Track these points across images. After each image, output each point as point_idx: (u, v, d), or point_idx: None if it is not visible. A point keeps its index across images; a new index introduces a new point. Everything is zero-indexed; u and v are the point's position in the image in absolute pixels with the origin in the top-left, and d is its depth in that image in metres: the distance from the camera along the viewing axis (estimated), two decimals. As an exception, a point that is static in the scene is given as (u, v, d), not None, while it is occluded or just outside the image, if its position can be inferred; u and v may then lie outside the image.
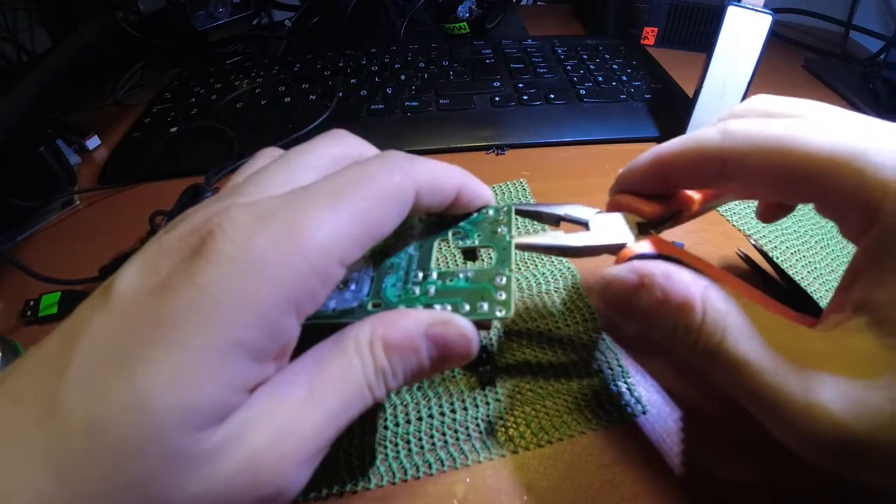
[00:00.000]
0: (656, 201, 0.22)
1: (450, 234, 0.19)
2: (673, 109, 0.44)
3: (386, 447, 0.23)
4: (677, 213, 0.23)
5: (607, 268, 0.19)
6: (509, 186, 0.38)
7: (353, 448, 0.23)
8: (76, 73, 0.44)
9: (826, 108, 0.19)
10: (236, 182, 0.17)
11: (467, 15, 0.61)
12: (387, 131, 0.44)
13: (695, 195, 0.23)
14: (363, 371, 0.15)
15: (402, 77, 0.51)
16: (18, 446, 0.12)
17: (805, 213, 0.36)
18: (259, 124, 0.46)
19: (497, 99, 0.47)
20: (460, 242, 0.19)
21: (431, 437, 0.23)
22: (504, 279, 0.18)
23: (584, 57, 0.54)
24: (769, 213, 0.25)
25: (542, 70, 0.52)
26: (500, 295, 0.18)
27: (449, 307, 0.18)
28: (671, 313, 0.16)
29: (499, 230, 0.20)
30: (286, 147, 0.19)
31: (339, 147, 0.18)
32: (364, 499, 0.22)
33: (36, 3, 0.59)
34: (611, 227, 0.21)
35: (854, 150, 0.16)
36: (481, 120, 0.45)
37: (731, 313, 0.16)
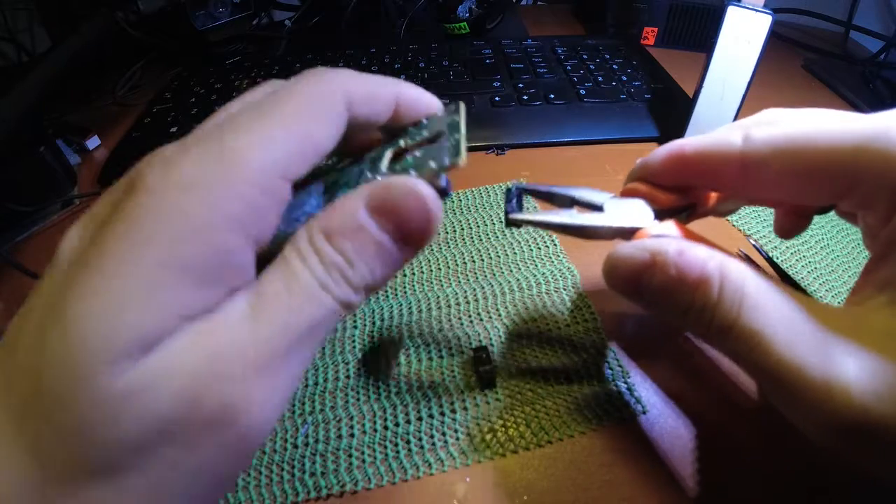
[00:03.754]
0: (676, 195, 0.22)
1: (400, 141, 0.17)
2: (673, 109, 0.44)
3: (386, 447, 0.23)
4: (691, 207, 0.22)
5: (616, 246, 0.18)
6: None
7: (353, 448, 0.23)
8: (76, 73, 0.44)
9: (840, 112, 0.19)
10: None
11: (467, 15, 0.61)
12: (387, 131, 0.44)
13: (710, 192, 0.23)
14: (310, 272, 0.13)
15: (402, 77, 0.51)
16: None
17: (805, 213, 0.36)
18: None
19: (497, 99, 0.47)
20: (409, 141, 0.17)
21: (431, 436, 0.23)
22: (455, 136, 0.16)
23: (584, 57, 0.54)
24: (789, 225, 0.24)
25: (542, 70, 0.52)
26: (448, 143, 0.16)
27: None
28: (686, 291, 0.16)
29: (451, 118, 0.17)
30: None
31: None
32: (365, 499, 0.22)
33: (36, 3, 0.59)
34: (627, 211, 0.21)
35: (877, 132, 0.15)
36: (481, 120, 0.45)
37: (749, 287, 0.15)
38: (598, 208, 0.21)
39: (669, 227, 0.19)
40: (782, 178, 0.17)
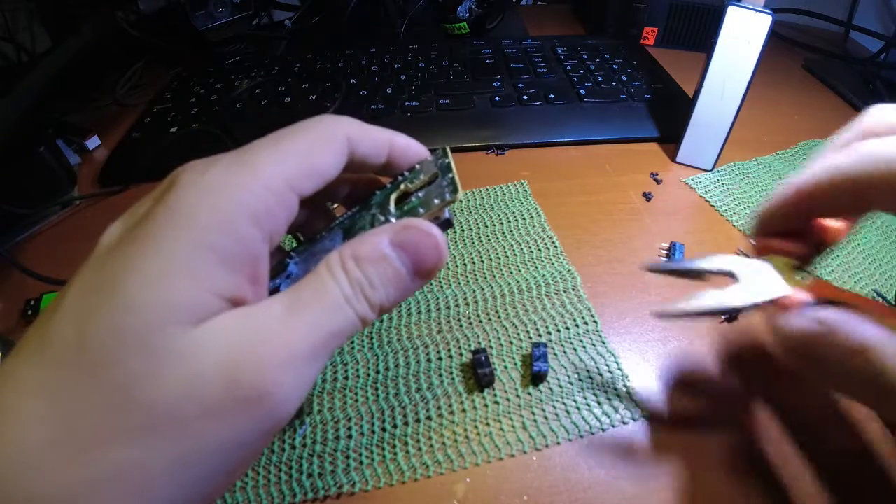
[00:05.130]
0: (803, 241, 0.22)
1: (401, 185, 0.20)
2: (673, 109, 0.44)
3: (384, 448, 0.23)
4: (823, 246, 0.22)
5: (780, 316, 0.19)
6: (509, 187, 0.38)
7: (351, 450, 0.23)
8: (76, 73, 0.44)
9: None
10: None
11: (467, 15, 0.61)
12: (386, 131, 0.44)
13: (836, 223, 0.22)
14: (338, 287, 0.16)
15: (402, 77, 0.51)
16: (10, 384, 0.13)
17: (805, 214, 0.36)
18: (259, 124, 0.46)
19: (497, 99, 0.47)
20: (409, 184, 0.20)
21: (430, 438, 0.23)
22: (448, 176, 0.19)
23: (584, 57, 0.54)
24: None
25: (542, 70, 0.52)
26: (445, 182, 0.18)
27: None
28: (855, 360, 0.17)
29: (442, 160, 0.20)
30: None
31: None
32: (365, 499, 0.22)
33: (36, 3, 0.59)
34: (762, 277, 0.20)
35: None
36: (481, 120, 0.45)
37: None
38: (730, 275, 0.21)
39: (806, 293, 0.19)
40: None
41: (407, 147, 0.20)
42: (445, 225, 0.18)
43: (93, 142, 0.47)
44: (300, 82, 0.52)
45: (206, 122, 0.46)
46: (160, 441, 0.13)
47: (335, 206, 0.23)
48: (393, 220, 0.19)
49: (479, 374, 0.25)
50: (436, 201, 0.18)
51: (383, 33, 0.65)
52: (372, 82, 0.51)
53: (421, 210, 0.18)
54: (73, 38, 0.43)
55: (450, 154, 0.20)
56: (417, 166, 0.20)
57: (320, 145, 0.17)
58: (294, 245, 0.21)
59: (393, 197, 0.19)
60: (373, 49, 0.57)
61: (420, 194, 0.19)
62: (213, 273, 0.14)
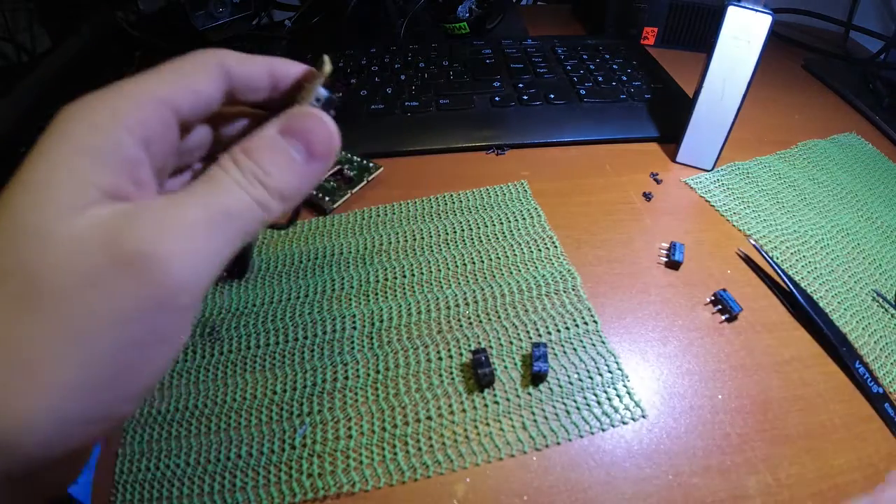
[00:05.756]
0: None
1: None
2: (673, 109, 0.44)
3: (384, 448, 0.23)
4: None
5: None
6: (509, 187, 0.38)
7: (351, 450, 0.23)
8: (76, 73, 0.44)
9: None
10: None
11: (467, 15, 0.61)
12: (387, 131, 0.44)
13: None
14: (229, 176, 0.16)
15: (402, 77, 0.51)
16: None
17: (804, 213, 0.36)
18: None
19: (497, 99, 0.47)
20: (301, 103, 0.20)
21: (430, 438, 0.23)
22: (319, 62, 0.19)
23: (584, 57, 0.54)
24: None
25: (542, 70, 0.52)
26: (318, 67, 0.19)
27: None
28: None
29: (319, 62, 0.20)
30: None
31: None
32: (365, 499, 0.22)
33: (36, 3, 0.59)
34: None
35: None
36: (481, 120, 0.45)
37: None
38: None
39: None
40: None
41: (286, 66, 0.21)
42: (329, 104, 0.19)
43: (93, 142, 0.47)
44: (300, 82, 0.52)
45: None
46: (43, 315, 0.13)
47: None
48: None
49: (479, 374, 0.25)
50: (307, 86, 0.19)
51: (383, 33, 0.65)
52: (372, 82, 0.51)
53: (301, 101, 0.19)
54: (73, 38, 0.43)
55: (327, 60, 0.20)
56: (306, 85, 0.20)
57: (191, 67, 0.18)
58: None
59: None
60: (373, 49, 0.57)
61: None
62: (89, 169, 0.15)
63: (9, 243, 0.14)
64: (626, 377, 0.25)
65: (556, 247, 0.33)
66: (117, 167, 0.15)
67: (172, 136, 0.18)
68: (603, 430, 0.24)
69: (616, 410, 0.24)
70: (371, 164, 0.39)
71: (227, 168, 0.16)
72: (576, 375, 0.25)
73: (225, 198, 0.16)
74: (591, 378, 0.25)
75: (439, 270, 0.31)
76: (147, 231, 0.14)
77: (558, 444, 0.23)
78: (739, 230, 0.34)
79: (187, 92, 0.18)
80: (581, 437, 0.23)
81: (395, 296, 0.30)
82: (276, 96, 0.21)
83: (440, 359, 0.26)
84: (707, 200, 0.37)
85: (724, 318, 0.29)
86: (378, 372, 0.26)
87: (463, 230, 0.34)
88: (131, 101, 0.16)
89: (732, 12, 0.34)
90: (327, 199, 0.36)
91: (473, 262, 0.32)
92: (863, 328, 0.28)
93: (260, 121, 0.21)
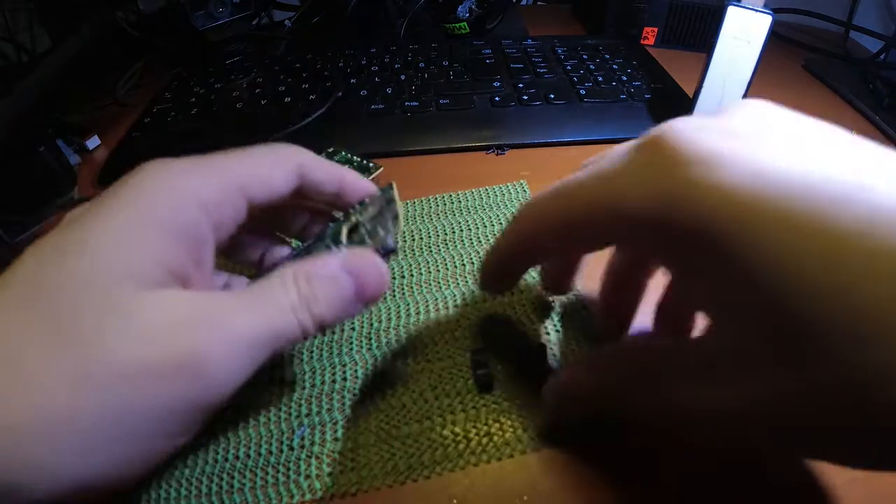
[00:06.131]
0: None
1: (353, 218, 0.22)
2: (673, 109, 0.44)
3: (383, 449, 0.23)
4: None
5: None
6: (509, 187, 0.38)
7: (348, 451, 0.23)
8: (76, 73, 0.44)
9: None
10: None
11: (467, 15, 0.61)
12: (387, 131, 0.44)
13: None
14: (286, 296, 0.17)
15: (402, 77, 0.51)
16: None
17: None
18: (259, 124, 0.46)
19: (497, 99, 0.47)
20: (359, 217, 0.22)
21: (430, 438, 0.23)
22: (392, 208, 0.21)
23: (584, 57, 0.54)
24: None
25: (542, 70, 0.52)
26: (390, 214, 0.21)
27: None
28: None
29: (388, 194, 0.22)
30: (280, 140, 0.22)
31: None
32: (364, 500, 0.22)
33: (36, 3, 0.59)
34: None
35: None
36: (481, 120, 0.45)
37: None
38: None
39: None
40: None
41: (356, 181, 0.22)
42: (390, 253, 0.21)
43: (93, 142, 0.47)
44: (300, 82, 0.52)
45: (207, 122, 0.46)
46: (102, 392, 0.14)
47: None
48: (343, 249, 0.21)
49: (478, 374, 0.25)
50: (381, 232, 0.21)
51: (383, 33, 0.65)
52: (372, 82, 0.51)
53: (368, 241, 0.21)
54: (73, 38, 0.43)
55: (395, 187, 0.22)
56: (367, 200, 0.23)
57: (271, 160, 0.20)
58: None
59: (345, 229, 0.22)
60: (373, 49, 0.57)
61: (368, 226, 0.21)
62: (158, 243, 0.16)
63: (73, 297, 0.14)
64: (626, 377, 0.25)
65: (555, 247, 0.32)
66: (189, 246, 0.17)
67: (239, 220, 0.19)
68: (602, 430, 0.23)
69: (616, 411, 0.24)
70: (371, 164, 0.39)
71: (287, 287, 0.17)
72: (575, 376, 0.25)
73: (277, 319, 0.17)
74: (590, 378, 0.25)
75: (438, 271, 0.31)
76: (205, 335, 0.15)
77: (559, 444, 0.23)
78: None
79: (264, 184, 0.19)
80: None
81: (394, 296, 0.30)
82: (336, 202, 0.23)
83: (440, 359, 0.26)
84: (707, 200, 0.37)
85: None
86: (377, 372, 0.26)
87: (462, 230, 0.34)
88: (213, 182, 0.18)
89: (732, 12, 0.34)
90: (327, 199, 0.36)
91: (473, 263, 0.32)
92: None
93: (304, 210, 0.24)
